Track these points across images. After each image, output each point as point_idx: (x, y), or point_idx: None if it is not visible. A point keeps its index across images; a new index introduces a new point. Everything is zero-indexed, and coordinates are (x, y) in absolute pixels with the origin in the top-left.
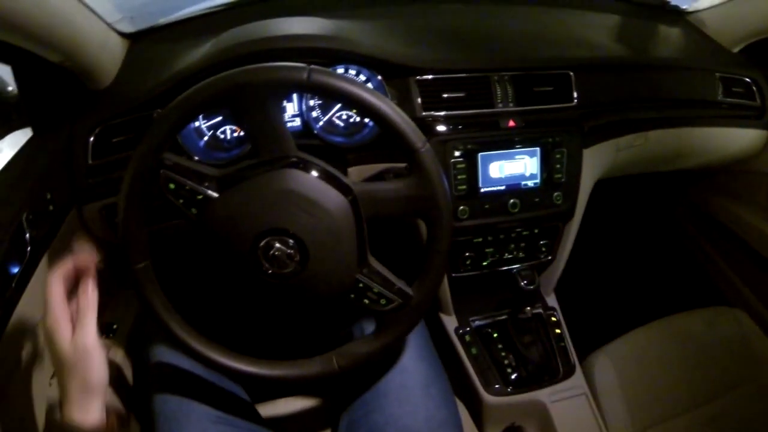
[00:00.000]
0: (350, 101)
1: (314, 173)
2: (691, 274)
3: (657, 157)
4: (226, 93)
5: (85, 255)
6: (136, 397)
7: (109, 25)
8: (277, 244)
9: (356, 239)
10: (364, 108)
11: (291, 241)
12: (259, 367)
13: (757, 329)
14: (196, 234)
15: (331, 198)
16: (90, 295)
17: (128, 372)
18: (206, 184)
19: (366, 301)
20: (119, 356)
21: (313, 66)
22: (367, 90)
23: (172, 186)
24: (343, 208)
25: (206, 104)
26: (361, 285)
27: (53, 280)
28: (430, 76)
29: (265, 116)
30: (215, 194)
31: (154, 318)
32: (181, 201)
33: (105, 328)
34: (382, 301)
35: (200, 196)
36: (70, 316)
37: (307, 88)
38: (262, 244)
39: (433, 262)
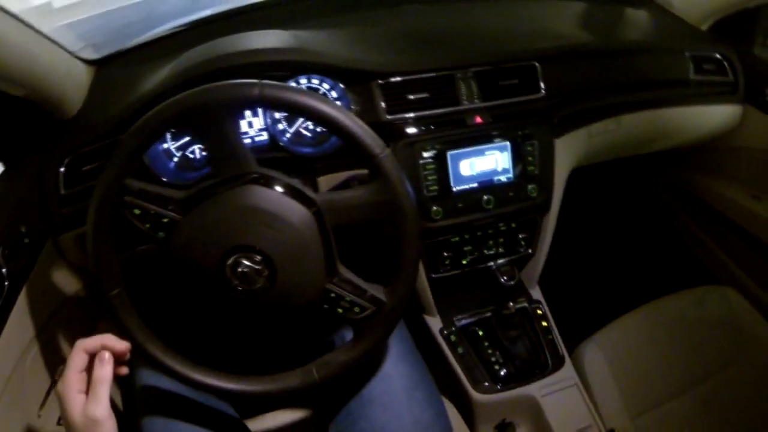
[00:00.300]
0: (304, 112)
1: (276, 188)
2: (677, 254)
3: (632, 141)
4: (180, 116)
5: (113, 339)
6: (125, 422)
7: (72, 53)
8: (245, 261)
9: (323, 250)
10: (318, 118)
11: (258, 257)
12: (241, 384)
13: (748, 305)
14: (165, 257)
15: (294, 211)
16: (106, 367)
17: (116, 398)
18: (170, 207)
19: (339, 310)
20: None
21: (264, 81)
22: (321, 99)
23: (137, 211)
24: (307, 221)
25: (162, 129)
26: (332, 295)
27: (77, 350)
28: (392, 79)
29: (222, 135)
30: (180, 216)
31: (132, 343)
32: (148, 226)
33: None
34: (356, 309)
35: (166, 220)
36: (84, 386)
37: (259, 104)
38: (229, 262)
39: (403, 267)
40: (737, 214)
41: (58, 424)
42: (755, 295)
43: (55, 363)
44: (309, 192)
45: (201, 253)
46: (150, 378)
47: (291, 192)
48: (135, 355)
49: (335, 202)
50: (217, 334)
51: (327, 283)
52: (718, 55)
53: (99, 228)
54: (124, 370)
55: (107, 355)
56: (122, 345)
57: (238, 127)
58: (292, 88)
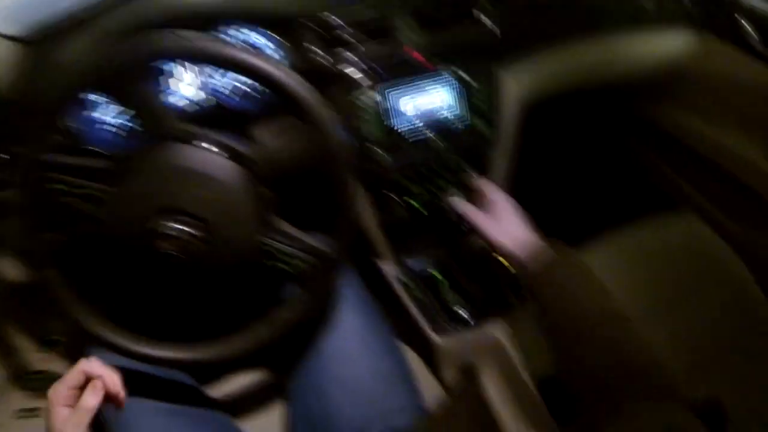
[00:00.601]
0: (220, 62)
1: (202, 144)
2: (636, 184)
3: (583, 71)
4: (93, 79)
5: (114, 378)
6: None
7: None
8: (175, 225)
9: (257, 204)
10: (235, 66)
11: (189, 219)
12: (190, 353)
13: (710, 231)
14: (98, 230)
15: (223, 167)
16: (94, 397)
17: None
18: (95, 178)
19: (281, 265)
20: (63, 368)
21: (169, 32)
22: (236, 47)
23: (62, 187)
24: (236, 175)
25: (73, 95)
26: (271, 250)
27: (77, 368)
28: (325, 20)
29: (139, 94)
30: (106, 186)
31: (74, 323)
32: (75, 200)
33: (45, 342)
34: (298, 263)
35: (92, 192)
36: (72, 402)
37: (173, 56)
38: (159, 227)
39: (342, 214)
40: (696, 141)
41: (17, 418)
42: (717, 221)
43: (9, 354)
44: (237, 146)
45: (130, 221)
46: (105, 358)
47: (218, 147)
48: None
49: (265, 154)
50: (162, 304)
51: (263, 238)
52: None
53: (25, 209)
54: (121, 401)
55: (99, 385)
56: (117, 388)
57: (155, 84)
58: (205, 38)
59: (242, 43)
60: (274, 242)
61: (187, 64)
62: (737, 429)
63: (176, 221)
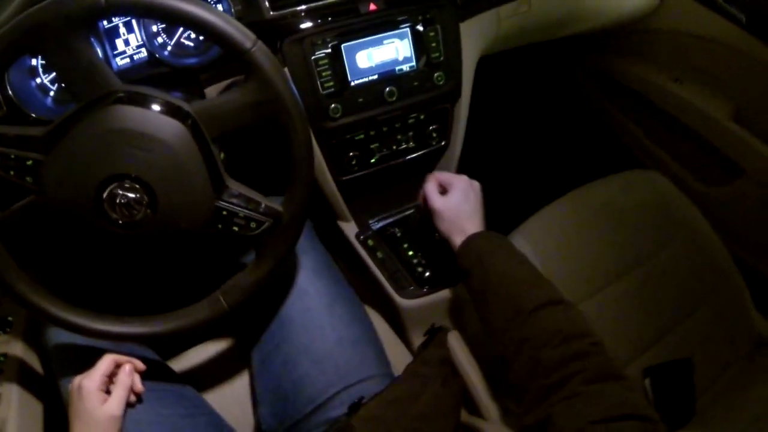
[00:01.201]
0: (158, 14)
1: (143, 105)
2: (600, 141)
3: (544, 24)
4: (21, 40)
5: (140, 363)
6: (47, 387)
7: None
8: (120, 191)
9: (206, 165)
10: (175, 17)
11: (134, 184)
12: (148, 326)
13: (674, 188)
14: (40, 203)
15: (167, 127)
16: (129, 375)
17: (34, 364)
18: (32, 147)
19: (235, 228)
20: (20, 350)
21: None
22: None
23: None
24: (182, 135)
25: (5, 59)
26: (224, 213)
27: (107, 358)
28: None
29: (71, 55)
30: (44, 156)
31: (24, 305)
32: (12, 173)
33: (1, 324)
34: (252, 225)
35: (30, 162)
36: (105, 387)
37: (107, 12)
38: (104, 195)
39: (296, 172)
40: (659, 98)
41: None
42: (680, 177)
43: None
44: (181, 103)
45: (73, 191)
46: (60, 337)
47: (161, 106)
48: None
49: (211, 110)
50: (115, 277)
51: (216, 201)
52: None
53: None
54: (139, 387)
55: (129, 367)
56: (143, 367)
57: (90, 43)
58: None
59: None
60: (228, 205)
61: (129, 20)
62: (704, 387)
63: (120, 188)
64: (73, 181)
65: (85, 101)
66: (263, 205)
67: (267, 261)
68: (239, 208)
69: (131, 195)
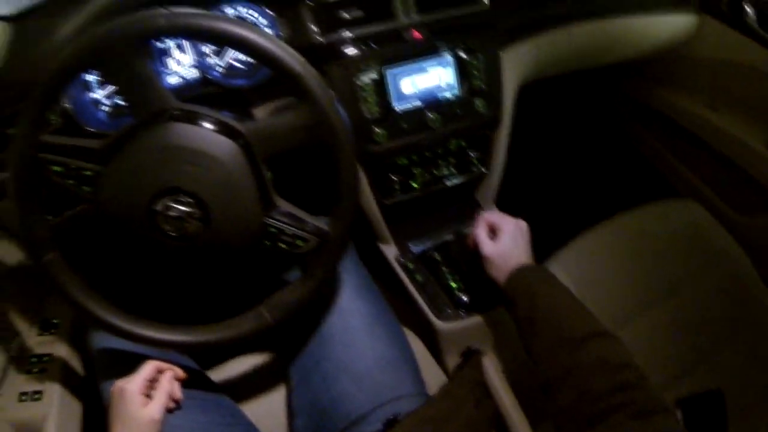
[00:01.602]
0: (216, 38)
1: (198, 123)
2: (637, 169)
3: (583, 53)
4: (86, 58)
5: (180, 371)
6: (88, 389)
7: None
8: (174, 205)
9: (256, 183)
10: (231, 42)
11: (187, 198)
12: (192, 335)
13: (710, 218)
14: (96, 212)
15: (220, 145)
16: (169, 379)
17: (77, 365)
18: (91, 158)
19: (282, 245)
20: (65, 351)
21: (170, 9)
22: (233, 22)
23: (57, 168)
24: (234, 153)
25: (68, 74)
26: (272, 230)
27: (150, 364)
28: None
29: (131, 73)
30: (102, 167)
31: (75, 306)
32: (71, 182)
33: (46, 325)
34: (299, 243)
35: (88, 173)
36: (147, 392)
37: (167, 34)
38: (158, 207)
39: (342, 191)
40: (695, 126)
41: (19, 401)
42: (716, 207)
43: (9, 337)
44: (234, 123)
45: (129, 202)
46: (105, 341)
47: (214, 125)
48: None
49: (263, 131)
50: (163, 287)
51: (264, 218)
52: None
53: (21, 192)
54: (179, 394)
55: (171, 374)
56: (184, 374)
57: (149, 61)
58: (201, 13)
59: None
60: (276, 222)
61: (181, 41)
62: (737, 420)
63: (174, 201)
64: (129, 193)
65: (143, 117)
66: (310, 224)
67: (312, 279)
68: (287, 226)
69: (184, 208)
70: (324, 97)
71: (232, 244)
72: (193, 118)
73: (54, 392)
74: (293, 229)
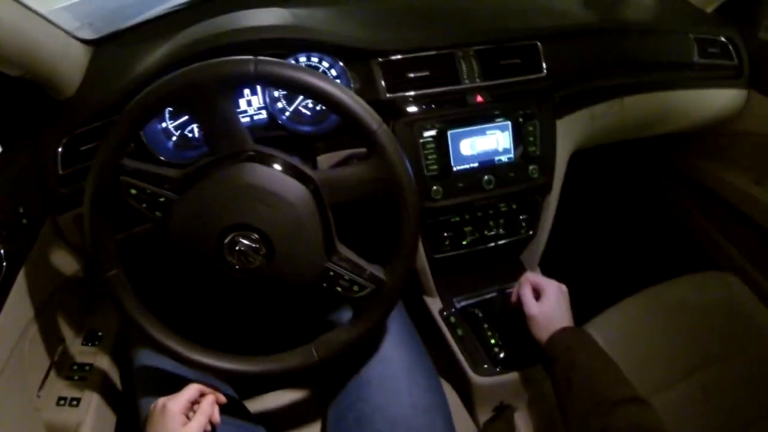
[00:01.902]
0: (300, 89)
1: (273, 165)
2: (678, 240)
3: (634, 123)
4: (174, 94)
5: (221, 396)
6: (125, 402)
7: (68, 33)
8: (242, 240)
9: (322, 228)
10: (314, 94)
11: (255, 235)
12: (240, 364)
13: (749, 292)
14: (162, 236)
15: (292, 188)
16: (210, 403)
17: (115, 378)
18: (167, 186)
19: (339, 289)
20: (106, 363)
21: (260, 57)
22: (317, 75)
23: (133, 191)
24: (304, 198)
25: (156, 108)
26: (331, 273)
27: (194, 386)
28: (392, 57)
29: (218, 113)
30: (176, 196)
31: (131, 323)
32: (144, 206)
33: (90, 336)
34: (355, 288)
35: (162, 199)
36: (188, 412)
37: (255, 80)
38: (226, 240)
39: (402, 244)
40: (739, 200)
41: (57, 404)
42: (757, 281)
43: (54, 344)
44: (307, 169)
45: (198, 232)
46: (147, 359)
47: (288, 169)
48: (133, 336)
49: (333, 179)
50: (216, 314)
51: (326, 262)
52: (722, 38)
53: (96, 209)
54: (217, 418)
55: (212, 398)
56: (224, 400)
57: (234, 104)
58: (288, 64)
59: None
60: (336, 267)
61: (257, 86)
62: None
63: (242, 236)
64: (199, 223)
65: (221, 154)
66: (368, 272)
67: (363, 323)
68: (345, 271)
69: (251, 244)
70: (395, 154)
71: (290, 283)
72: (267, 160)
73: (91, 401)
74: (351, 274)
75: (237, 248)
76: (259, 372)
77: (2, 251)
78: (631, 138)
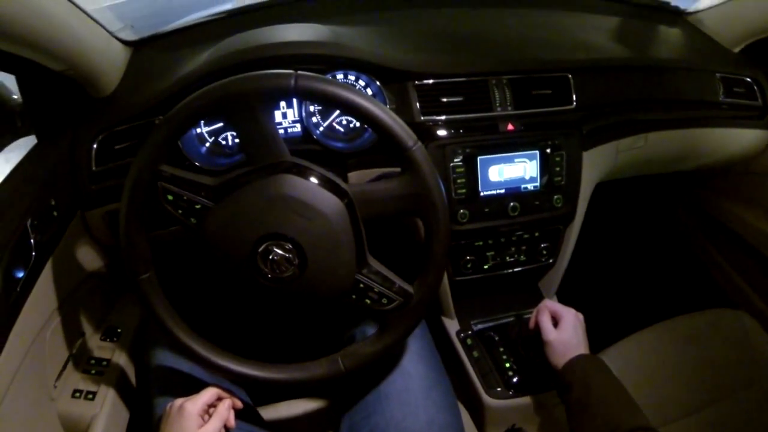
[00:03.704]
0: (338, 104)
1: (309, 178)
2: (694, 275)
3: (658, 158)
4: (216, 103)
5: (238, 402)
6: (138, 400)
7: (111, 33)
8: (275, 249)
9: (354, 241)
10: (352, 110)
11: (288, 245)
12: (266, 371)
13: (761, 331)
14: (196, 242)
15: (327, 201)
16: (227, 407)
17: (131, 375)
18: (203, 193)
19: (368, 301)
20: (123, 360)
21: (300, 72)
22: (356, 92)
23: (170, 197)
24: (339, 211)
25: (197, 116)
26: (361, 285)
27: (212, 389)
28: (428, 81)
29: (256, 124)
30: (212, 203)
31: (160, 327)
32: (180, 211)
33: (109, 332)
34: (384, 301)
35: (198, 206)
36: (204, 414)
37: (294, 94)
38: (260, 249)
39: (432, 260)
40: (757, 240)
41: (72, 396)
42: None
43: (74, 336)
44: (341, 183)
45: (232, 239)
46: (165, 359)
47: (324, 182)
48: (155, 335)
49: (367, 194)
50: (243, 320)
51: (357, 274)
52: (748, 79)
53: (131, 211)
54: (232, 423)
55: (229, 403)
56: (240, 405)
57: (272, 116)
58: (327, 79)
59: None
60: (366, 279)
61: (293, 99)
62: None
63: (276, 246)
64: (234, 231)
65: (260, 164)
66: (397, 285)
67: (389, 336)
68: (375, 284)
69: (284, 254)
70: (429, 172)
71: (320, 294)
72: (304, 173)
73: (107, 396)
74: (381, 287)
75: (270, 257)
76: (285, 380)
77: (32, 241)
78: (653, 173)
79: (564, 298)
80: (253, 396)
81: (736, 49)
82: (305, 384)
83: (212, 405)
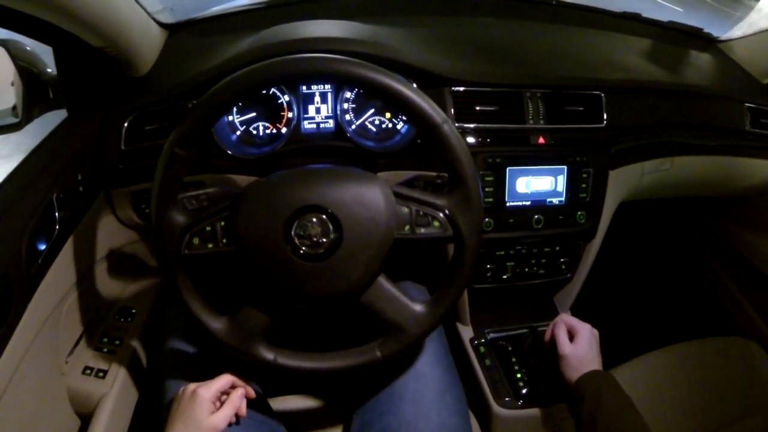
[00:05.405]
0: (365, 84)
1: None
2: (706, 301)
3: (681, 182)
4: (245, 91)
5: (251, 390)
6: (148, 381)
7: (150, 14)
8: (314, 219)
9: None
10: (379, 89)
11: (325, 216)
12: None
13: None
14: (228, 225)
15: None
16: (240, 396)
17: (143, 356)
18: (241, 169)
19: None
20: (135, 340)
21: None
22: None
23: (195, 240)
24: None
25: (232, 100)
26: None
27: (227, 377)
28: (464, 88)
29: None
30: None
31: (187, 310)
32: (210, 245)
33: (123, 312)
34: (435, 224)
35: (222, 223)
36: (217, 401)
37: (320, 77)
38: (297, 221)
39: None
40: None
41: (83, 373)
42: None
43: (89, 313)
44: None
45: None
46: (178, 342)
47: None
48: (169, 318)
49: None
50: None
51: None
52: None
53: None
54: (244, 411)
55: (242, 391)
56: (253, 394)
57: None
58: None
59: None
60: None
61: (324, 91)
62: None
63: (315, 217)
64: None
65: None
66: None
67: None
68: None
69: (320, 225)
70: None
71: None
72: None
73: (117, 375)
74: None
75: (307, 231)
76: (323, 369)
77: (57, 214)
78: (676, 196)
79: (578, 314)
80: (264, 387)
81: (766, 81)
82: (344, 372)
83: (225, 392)
